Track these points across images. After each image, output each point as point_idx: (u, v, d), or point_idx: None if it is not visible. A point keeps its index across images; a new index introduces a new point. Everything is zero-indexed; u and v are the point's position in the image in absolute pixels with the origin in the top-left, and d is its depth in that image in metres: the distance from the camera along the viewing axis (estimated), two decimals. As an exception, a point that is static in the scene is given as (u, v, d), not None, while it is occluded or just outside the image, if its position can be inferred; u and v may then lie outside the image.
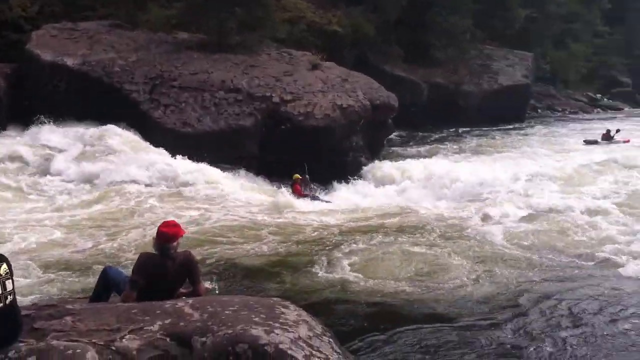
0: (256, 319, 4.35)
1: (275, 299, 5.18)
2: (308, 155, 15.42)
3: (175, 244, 5.47)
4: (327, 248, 9.92)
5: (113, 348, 4.07)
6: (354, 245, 10.05)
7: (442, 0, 29.99)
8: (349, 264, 9.09)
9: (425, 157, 19.03)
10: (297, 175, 14.47)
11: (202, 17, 19.26)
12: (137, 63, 17.11)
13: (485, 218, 12.00)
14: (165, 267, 5.43)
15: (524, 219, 11.94)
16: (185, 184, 13.61)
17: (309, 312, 4.97)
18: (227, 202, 12.80)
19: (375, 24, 26.32)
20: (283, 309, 4.62)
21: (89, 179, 13.93)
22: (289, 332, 4.24)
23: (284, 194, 13.39)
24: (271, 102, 15.98)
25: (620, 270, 8.98)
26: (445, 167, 16.47)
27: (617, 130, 23.21)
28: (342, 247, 9.94)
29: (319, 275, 8.65)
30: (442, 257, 9.52)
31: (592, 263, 9.48)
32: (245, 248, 9.81)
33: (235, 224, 11.13)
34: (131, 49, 17.93)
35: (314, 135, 15.72)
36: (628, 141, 22.61)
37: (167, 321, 4.42)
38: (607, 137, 22.99)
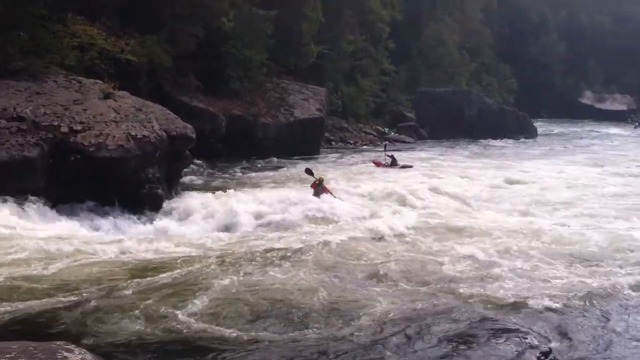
0: (34, 365, 3.96)
1: (58, 342, 4.77)
2: (101, 187, 14.73)
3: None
4: (140, 286, 9.45)
5: None
6: (171, 282, 9.72)
7: (238, 34, 30.45)
8: (165, 303, 8.74)
9: (226, 188, 19.11)
10: (322, 176, 17.84)
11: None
12: None
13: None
14: None
15: (330, 244, 12.64)
16: None
17: (102, 355, 4.65)
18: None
19: (172, 55, 26.00)
20: (66, 353, 4.25)
21: None
22: (71, 377, 3.91)
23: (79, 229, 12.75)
24: (59, 131, 14.99)
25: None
26: (250, 196, 16.78)
27: (391, 156, 27.00)
28: (158, 283, 9.56)
29: (127, 317, 8.21)
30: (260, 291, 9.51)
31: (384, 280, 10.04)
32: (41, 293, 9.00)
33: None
34: None
35: (107, 167, 14.99)
36: (411, 166, 26.23)
37: None
38: (394, 163, 26.10)
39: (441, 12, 63.32)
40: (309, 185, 17.77)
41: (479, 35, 69.77)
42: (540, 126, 58.08)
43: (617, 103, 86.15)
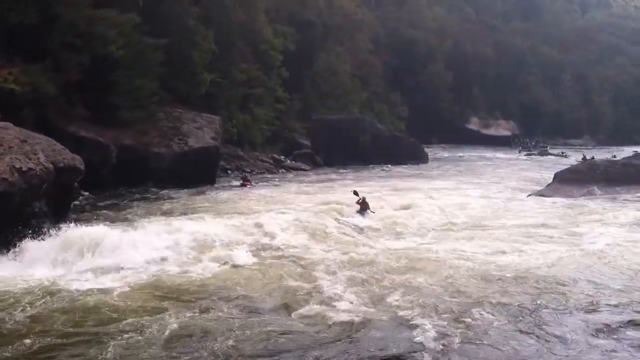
0: None
1: None
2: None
3: None
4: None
5: None
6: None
7: (127, 62, 29.80)
8: None
9: (120, 221, 18.57)
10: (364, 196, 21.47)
11: None
12: None
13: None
14: None
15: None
16: None
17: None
18: None
19: (57, 84, 25.09)
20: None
21: None
22: None
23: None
24: None
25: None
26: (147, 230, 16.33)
27: (244, 177, 33.21)
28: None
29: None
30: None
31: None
32: None
33: None
34: None
35: (-11, 202, 14.22)
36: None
37: None
38: (246, 180, 32.09)
39: (332, 43, 64.56)
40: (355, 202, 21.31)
41: (370, 65, 71.53)
42: (432, 151, 60.02)
43: (501, 129, 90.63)
